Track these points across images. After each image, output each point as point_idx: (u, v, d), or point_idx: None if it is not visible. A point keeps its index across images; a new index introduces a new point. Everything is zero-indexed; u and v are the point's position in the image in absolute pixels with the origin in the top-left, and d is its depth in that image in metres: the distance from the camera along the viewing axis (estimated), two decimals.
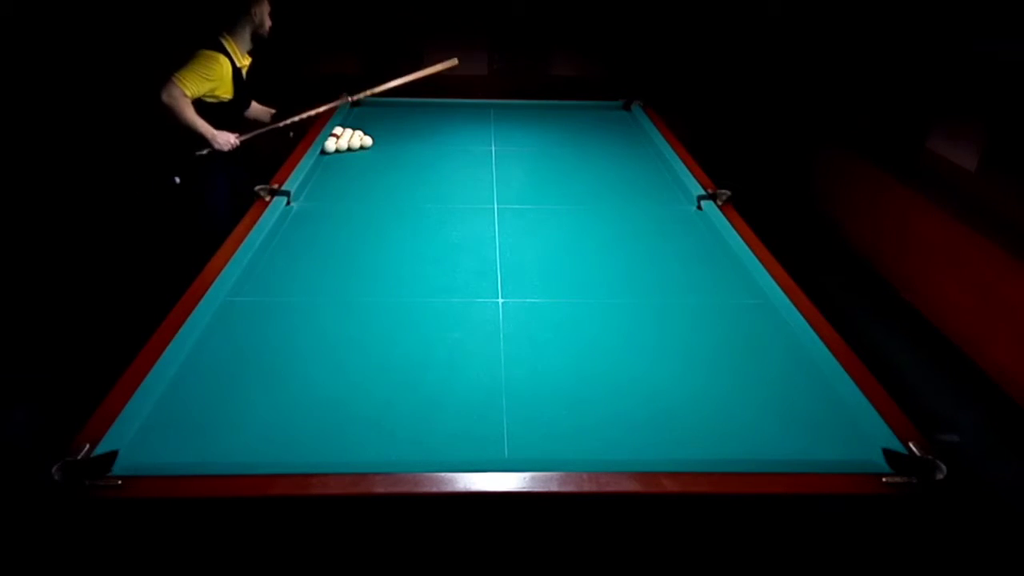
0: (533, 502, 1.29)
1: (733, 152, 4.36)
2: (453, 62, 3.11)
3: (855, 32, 4.00)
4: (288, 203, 2.46)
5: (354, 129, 3.10)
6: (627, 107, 3.81)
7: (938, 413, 2.52)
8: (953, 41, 3.21)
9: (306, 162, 2.77)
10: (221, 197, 2.66)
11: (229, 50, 2.55)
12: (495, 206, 2.55)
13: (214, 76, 2.49)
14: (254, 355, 1.66)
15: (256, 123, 2.85)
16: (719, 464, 1.34)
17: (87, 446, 1.30)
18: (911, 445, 1.38)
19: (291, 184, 2.55)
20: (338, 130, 3.07)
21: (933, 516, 1.33)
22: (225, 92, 2.57)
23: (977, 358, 2.79)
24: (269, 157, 2.69)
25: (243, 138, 2.64)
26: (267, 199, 2.43)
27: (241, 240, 2.13)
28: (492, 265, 2.13)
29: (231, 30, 2.56)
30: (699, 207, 2.55)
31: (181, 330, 1.68)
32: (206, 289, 1.85)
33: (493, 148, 3.16)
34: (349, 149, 3.02)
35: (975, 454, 2.32)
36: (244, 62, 2.59)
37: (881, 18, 3.77)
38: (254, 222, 2.25)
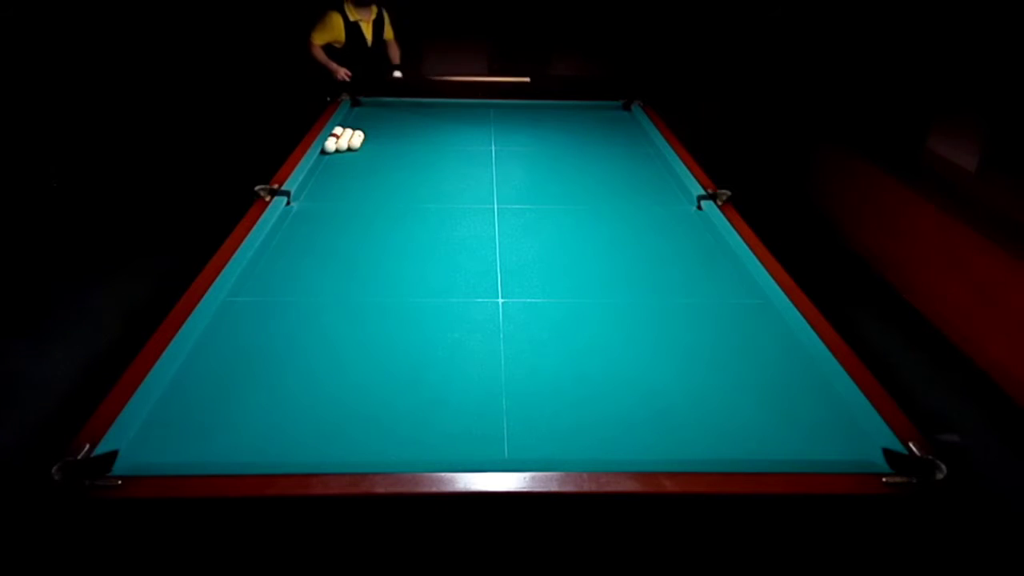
0: (533, 502, 1.29)
1: (733, 152, 4.36)
2: (525, 80, 4.04)
3: (855, 32, 4.00)
4: (288, 203, 2.46)
5: (355, 129, 3.11)
6: (627, 107, 3.81)
7: (938, 413, 2.52)
8: (953, 41, 3.21)
9: (306, 162, 2.78)
10: None
11: (346, 10, 3.69)
12: (495, 206, 2.55)
13: (329, 28, 3.68)
14: (254, 355, 1.67)
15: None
16: (719, 464, 1.35)
17: (87, 446, 1.30)
18: (911, 445, 1.38)
19: (291, 184, 2.55)
20: (338, 130, 3.07)
21: (933, 516, 1.33)
22: (339, 38, 3.74)
23: (977, 358, 2.79)
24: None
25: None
26: (267, 199, 2.43)
27: (241, 240, 2.12)
28: (492, 265, 2.13)
29: None
30: (699, 207, 2.55)
31: (181, 330, 1.68)
32: (206, 289, 1.85)
33: (493, 148, 3.16)
34: (349, 149, 3.03)
35: (975, 454, 2.32)
36: (358, 17, 3.73)
37: (881, 18, 3.77)
38: (254, 222, 2.25)
